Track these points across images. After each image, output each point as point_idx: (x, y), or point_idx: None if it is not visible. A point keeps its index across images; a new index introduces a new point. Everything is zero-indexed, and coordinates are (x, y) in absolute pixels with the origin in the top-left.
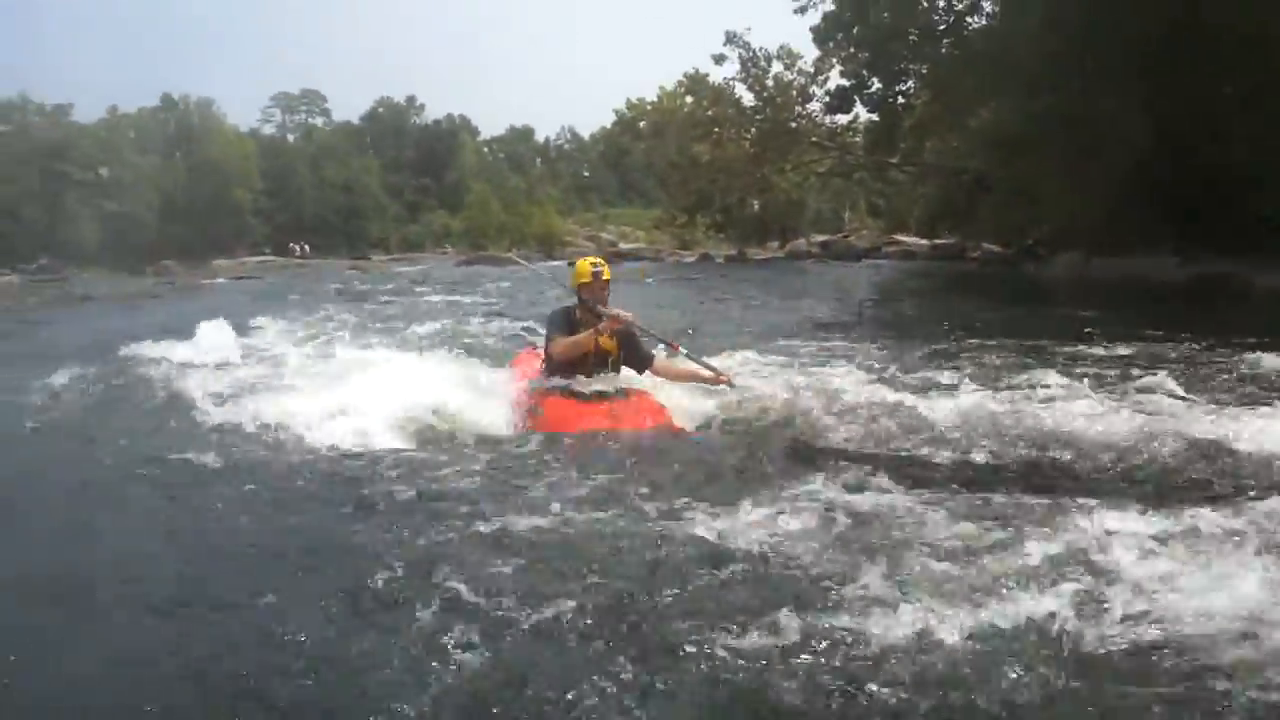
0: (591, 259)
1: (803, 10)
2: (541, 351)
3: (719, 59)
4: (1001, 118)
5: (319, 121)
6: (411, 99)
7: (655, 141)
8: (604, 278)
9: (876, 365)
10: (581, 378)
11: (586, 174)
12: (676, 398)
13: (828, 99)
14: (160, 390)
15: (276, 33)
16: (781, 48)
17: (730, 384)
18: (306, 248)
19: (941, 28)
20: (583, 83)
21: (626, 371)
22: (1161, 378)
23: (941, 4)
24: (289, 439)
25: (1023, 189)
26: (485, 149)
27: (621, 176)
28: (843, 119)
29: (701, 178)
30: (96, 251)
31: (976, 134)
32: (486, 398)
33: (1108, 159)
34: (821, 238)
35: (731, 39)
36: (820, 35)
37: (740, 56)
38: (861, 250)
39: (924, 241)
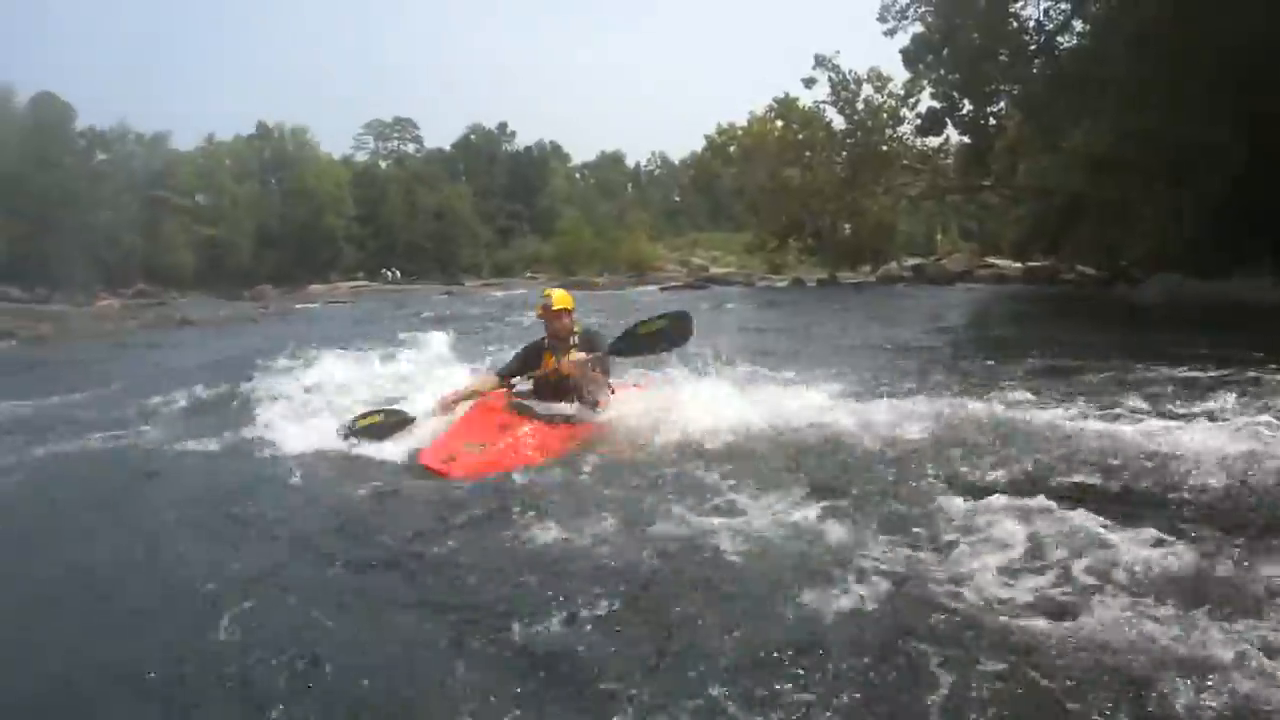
0: (547, 290)
1: (892, 33)
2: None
3: (809, 83)
4: (1094, 138)
5: (411, 148)
6: (503, 125)
7: (746, 166)
8: (553, 308)
9: (964, 390)
10: (536, 401)
11: (677, 199)
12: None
13: (918, 121)
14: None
15: (370, 62)
16: (871, 70)
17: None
18: (397, 273)
19: (1032, 48)
20: (673, 108)
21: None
22: (1261, 402)
23: (1032, 24)
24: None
25: (1116, 210)
26: (576, 175)
27: (712, 201)
28: (934, 141)
29: (792, 202)
30: (193, 276)
31: (1069, 155)
32: None
33: (1203, 179)
34: (913, 261)
35: (821, 62)
36: (910, 57)
37: (830, 80)
38: (954, 274)
39: (1017, 264)
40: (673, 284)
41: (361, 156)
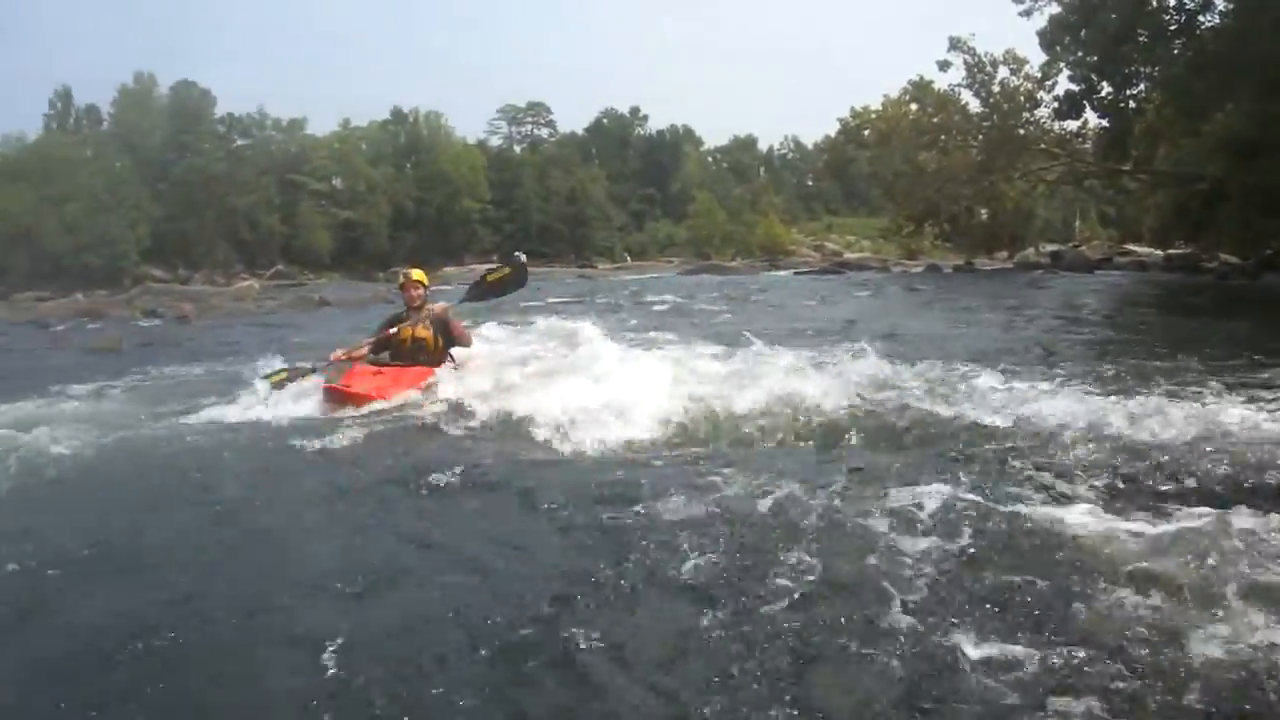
0: (418, 270)
1: (1028, 14)
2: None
3: (944, 65)
4: (1238, 121)
5: (544, 133)
6: (635, 110)
7: (880, 150)
8: (412, 278)
9: (1097, 383)
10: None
11: (810, 183)
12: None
13: (1056, 104)
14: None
15: (503, 47)
16: (1007, 53)
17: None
18: (522, 256)
19: (1173, 28)
20: (805, 92)
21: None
22: None
23: (1172, 3)
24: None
25: (1262, 196)
26: (708, 158)
27: (846, 185)
28: (1072, 125)
29: (928, 186)
30: (330, 258)
31: (1212, 139)
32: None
33: None
34: (1051, 247)
35: (956, 45)
36: (1047, 39)
37: (965, 62)
38: (1093, 261)
39: (1157, 252)
40: (807, 268)
41: (495, 141)
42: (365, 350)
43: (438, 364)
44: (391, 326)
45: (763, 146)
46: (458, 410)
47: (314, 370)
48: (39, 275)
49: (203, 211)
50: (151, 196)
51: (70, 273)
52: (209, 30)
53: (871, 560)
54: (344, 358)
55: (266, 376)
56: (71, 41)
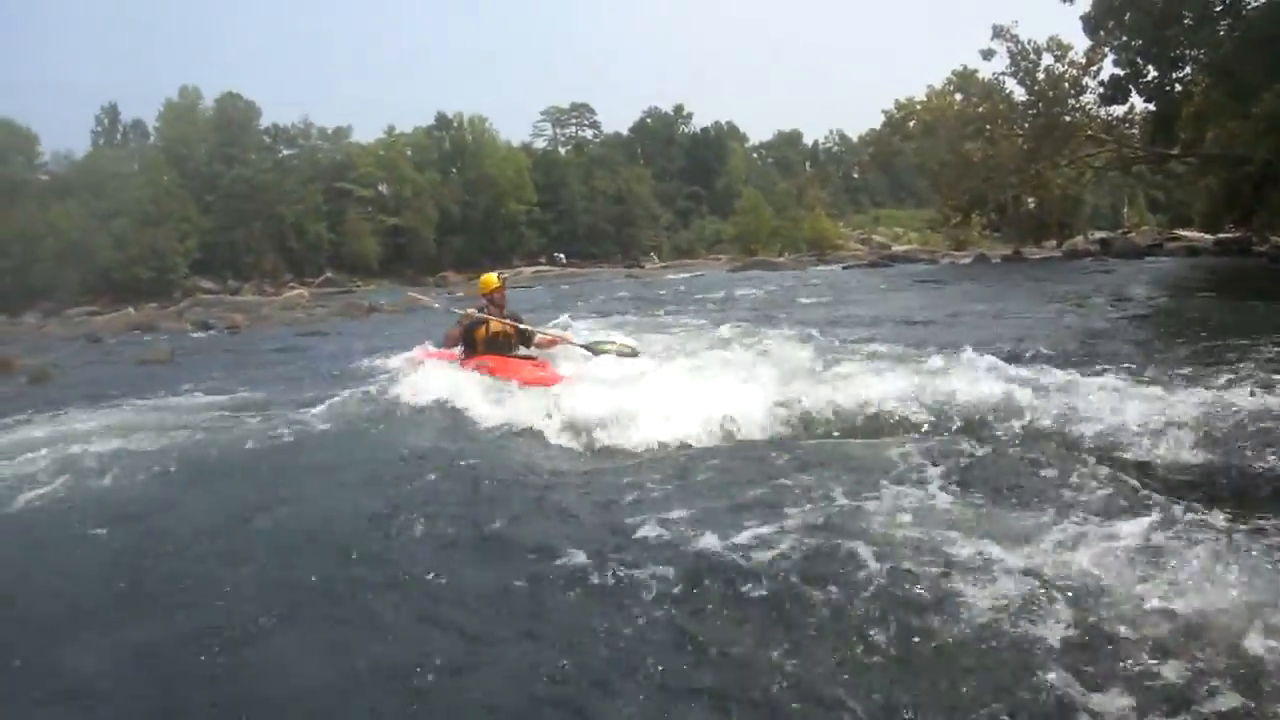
0: (496, 274)
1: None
2: (431, 349)
3: (987, 54)
4: None
5: (589, 133)
6: (679, 108)
7: (926, 141)
8: (496, 285)
9: (1156, 377)
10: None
11: (856, 176)
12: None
13: (1102, 90)
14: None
15: (546, 48)
16: (1051, 39)
17: (595, 352)
18: (563, 257)
19: (1218, 9)
20: (849, 84)
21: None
22: None
23: None
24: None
25: None
26: (754, 154)
27: (892, 178)
28: (1118, 110)
29: (974, 176)
30: (378, 264)
31: (1261, 120)
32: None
33: None
34: (1100, 235)
35: (999, 33)
36: (1090, 24)
37: (1009, 50)
38: (1142, 247)
39: (1208, 236)
40: (855, 262)
41: (540, 143)
42: (454, 348)
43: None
44: (477, 324)
45: (808, 141)
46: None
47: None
48: (90, 290)
49: (250, 222)
50: (199, 209)
51: (121, 286)
52: (252, 41)
53: (906, 550)
54: (433, 355)
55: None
56: (117, 57)
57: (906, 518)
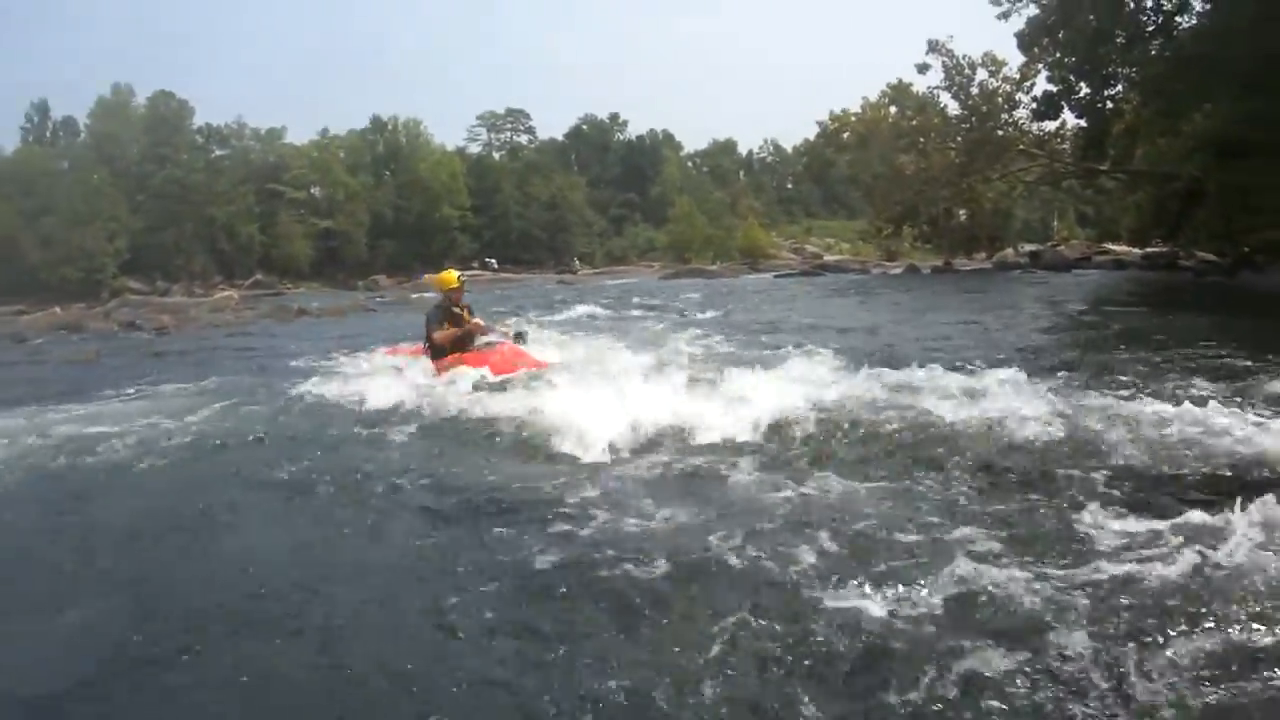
0: (455, 272)
1: (1006, 16)
2: (400, 347)
3: (922, 68)
4: (1215, 121)
5: (524, 139)
6: (614, 115)
7: (859, 153)
8: (456, 285)
9: (1072, 380)
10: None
11: (790, 186)
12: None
13: (1034, 105)
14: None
15: (481, 54)
16: (986, 54)
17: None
18: (494, 262)
19: (1150, 29)
20: (784, 95)
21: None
22: None
23: (1149, 4)
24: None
25: (1239, 195)
26: (688, 163)
27: (825, 188)
28: (1050, 126)
29: (907, 188)
30: (309, 267)
31: (1189, 138)
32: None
33: None
34: (1030, 247)
35: (934, 47)
36: (1025, 41)
37: (944, 65)
38: (1071, 260)
39: (1135, 250)
40: (787, 271)
41: (475, 148)
42: (420, 346)
43: (497, 346)
44: (446, 321)
45: (742, 150)
46: None
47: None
48: (16, 289)
49: (181, 223)
50: (129, 208)
51: (48, 286)
52: (187, 41)
53: (840, 560)
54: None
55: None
56: (48, 54)
57: (803, 518)
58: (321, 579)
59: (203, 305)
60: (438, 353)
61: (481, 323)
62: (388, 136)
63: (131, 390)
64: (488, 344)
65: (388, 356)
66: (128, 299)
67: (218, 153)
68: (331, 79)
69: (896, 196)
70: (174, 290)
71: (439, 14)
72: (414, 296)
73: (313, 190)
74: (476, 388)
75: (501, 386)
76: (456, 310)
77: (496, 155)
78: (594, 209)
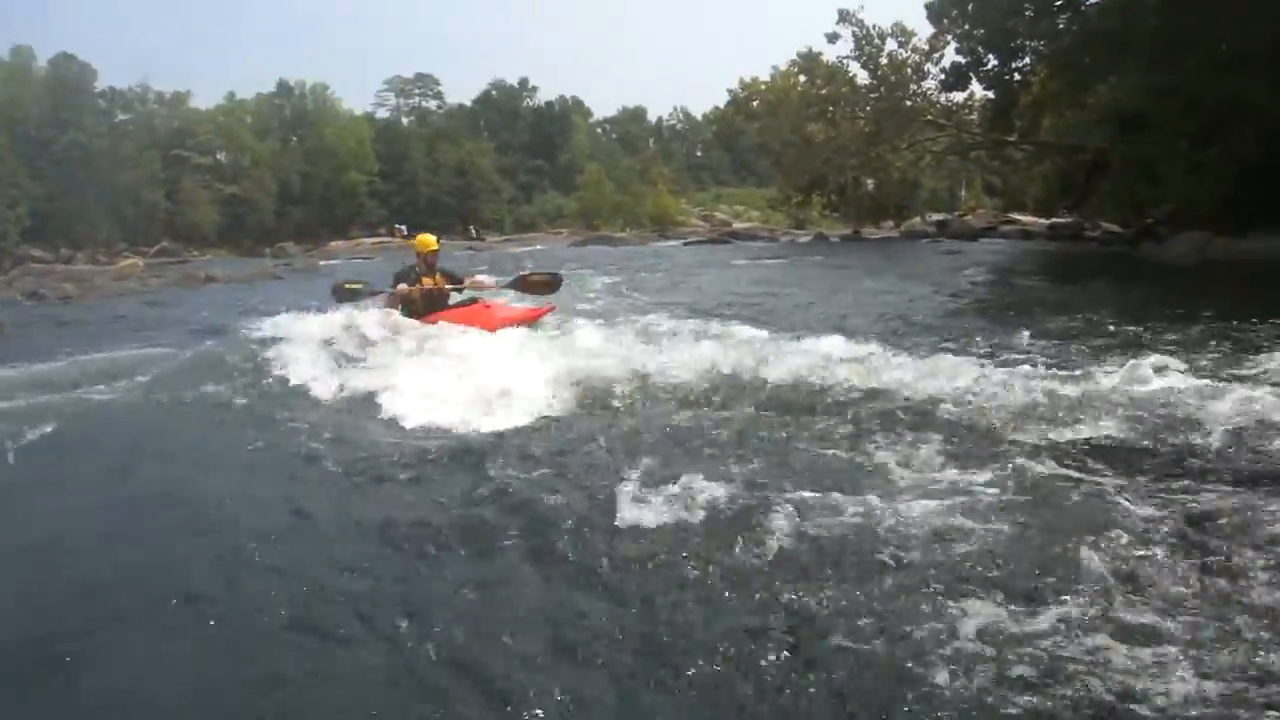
0: (434, 237)
1: None
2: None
3: (832, 37)
4: (1121, 95)
5: (433, 105)
6: (524, 81)
7: (769, 121)
8: (433, 248)
9: (975, 350)
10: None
11: (699, 154)
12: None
13: (943, 76)
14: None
15: (390, 17)
16: (895, 25)
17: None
18: (404, 229)
19: (1058, 3)
20: (695, 63)
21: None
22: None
23: None
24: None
25: (1143, 167)
26: (598, 130)
27: (735, 156)
28: (958, 97)
29: (815, 157)
30: (216, 234)
31: (1095, 111)
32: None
33: (1234, 136)
34: (937, 217)
35: (845, 17)
36: (935, 12)
37: (854, 34)
38: (978, 229)
39: (1041, 220)
40: (696, 238)
41: (383, 113)
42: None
43: (475, 302)
44: (408, 281)
45: (652, 118)
46: None
47: (381, 292)
48: None
49: (84, 189)
50: (30, 174)
51: None
52: (89, 2)
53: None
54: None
55: (344, 284)
56: None
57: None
58: (295, 546)
59: (107, 273)
60: (407, 311)
61: (451, 277)
62: (295, 101)
63: (44, 360)
64: (462, 301)
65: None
66: (30, 267)
67: (121, 117)
68: (239, 41)
69: (805, 165)
70: (78, 258)
71: None
72: (322, 263)
73: (219, 156)
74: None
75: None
76: (431, 270)
77: (405, 121)
78: (503, 175)
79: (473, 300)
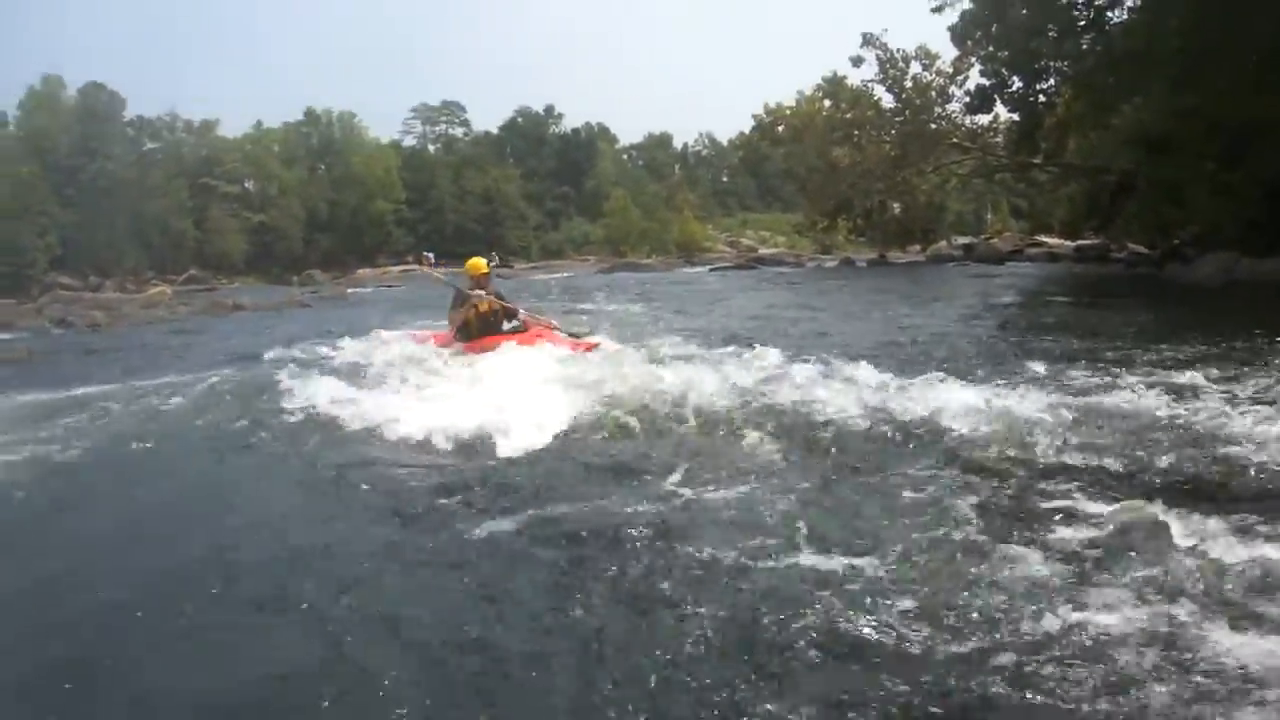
0: (485, 260)
1: (940, 9)
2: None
3: (856, 61)
4: (1146, 116)
5: (459, 132)
6: (550, 108)
7: (794, 146)
8: (484, 270)
9: (1006, 373)
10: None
11: (725, 179)
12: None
13: (968, 99)
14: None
15: (416, 46)
16: (919, 48)
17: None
18: (432, 257)
19: (1082, 24)
20: (720, 88)
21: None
22: None
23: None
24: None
25: (1169, 188)
26: (624, 156)
27: (760, 181)
28: (983, 119)
29: (841, 181)
30: (244, 262)
31: (1120, 133)
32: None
33: (1257, 158)
34: (963, 240)
35: (869, 41)
36: (958, 34)
37: (878, 58)
38: (1004, 253)
39: (1067, 243)
40: (722, 264)
41: (409, 141)
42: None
43: (527, 327)
44: (466, 305)
45: (678, 144)
46: None
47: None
48: None
49: (113, 217)
50: (60, 202)
51: None
52: (119, 31)
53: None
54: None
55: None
56: None
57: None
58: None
59: (135, 301)
60: (464, 335)
61: (513, 306)
62: (322, 129)
63: (80, 385)
64: (515, 328)
65: (397, 341)
66: (59, 295)
67: (150, 146)
68: (267, 70)
69: (831, 189)
70: (106, 286)
71: (373, 4)
72: (350, 291)
73: (246, 184)
74: (502, 367)
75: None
76: (481, 295)
77: (431, 148)
78: (529, 202)
79: (525, 328)
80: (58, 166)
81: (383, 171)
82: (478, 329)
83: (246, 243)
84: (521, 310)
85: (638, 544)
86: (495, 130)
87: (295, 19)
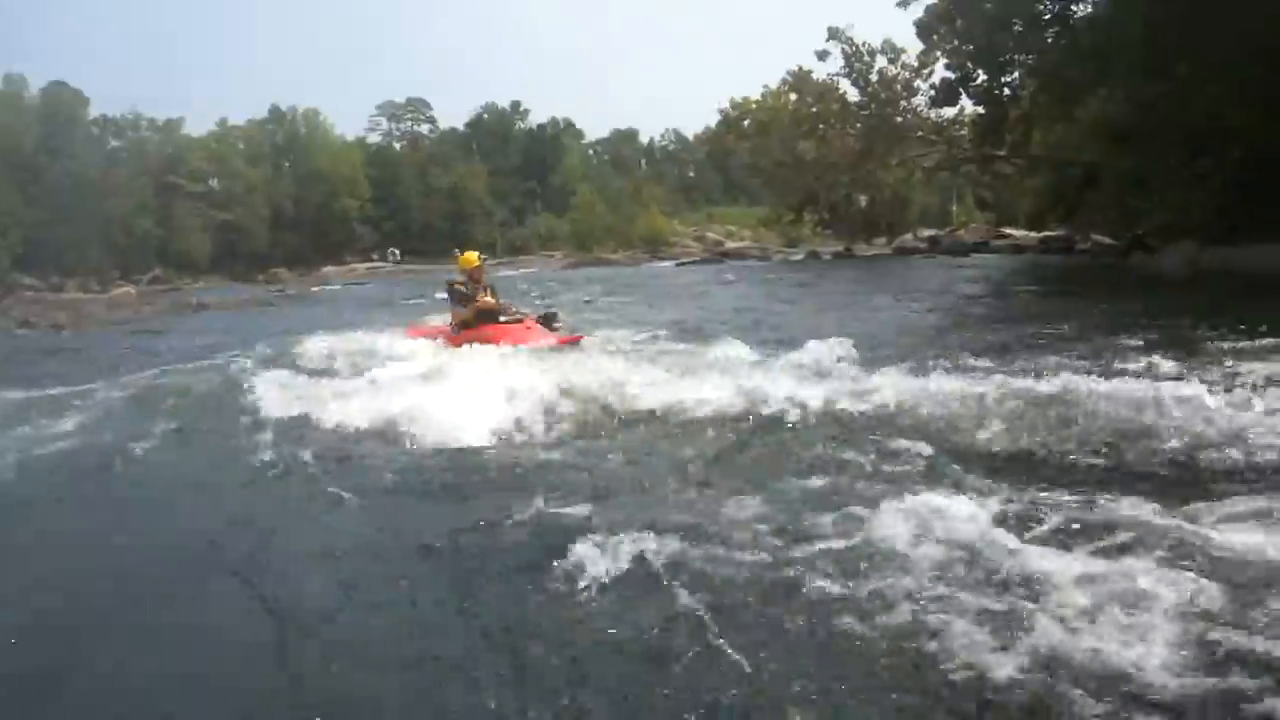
0: (476, 253)
1: (905, 4)
2: (421, 326)
3: (822, 55)
4: (1110, 108)
5: (425, 129)
6: (516, 104)
7: (760, 140)
8: (476, 264)
9: (972, 363)
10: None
11: (691, 174)
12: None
13: (933, 92)
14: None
15: (382, 43)
16: (885, 42)
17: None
18: (397, 253)
19: (1046, 17)
20: (686, 83)
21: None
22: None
23: None
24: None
25: (1133, 180)
26: (590, 152)
27: (726, 176)
28: (948, 112)
29: (807, 175)
30: (208, 261)
31: (1085, 124)
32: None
33: (1220, 147)
34: (929, 233)
35: (834, 35)
36: (924, 28)
37: (843, 52)
38: (969, 245)
39: (1033, 234)
40: (689, 259)
41: (375, 138)
42: (448, 322)
43: (522, 321)
44: (468, 299)
45: (644, 139)
46: None
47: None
48: None
49: (77, 217)
50: (23, 202)
51: None
52: (81, 29)
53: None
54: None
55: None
56: None
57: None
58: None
59: (100, 301)
60: (466, 324)
61: (506, 303)
62: (287, 126)
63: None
64: (513, 320)
65: (409, 338)
66: (22, 296)
67: (114, 144)
68: (231, 67)
69: (797, 183)
70: (69, 286)
71: (339, 1)
72: (315, 289)
73: (211, 182)
74: (496, 358)
75: (521, 358)
76: (477, 289)
77: (397, 145)
78: (495, 198)
79: (520, 319)
80: (21, 166)
81: (348, 169)
82: (476, 320)
83: (211, 241)
84: (513, 305)
85: (605, 537)
86: (461, 127)
87: (260, 16)
